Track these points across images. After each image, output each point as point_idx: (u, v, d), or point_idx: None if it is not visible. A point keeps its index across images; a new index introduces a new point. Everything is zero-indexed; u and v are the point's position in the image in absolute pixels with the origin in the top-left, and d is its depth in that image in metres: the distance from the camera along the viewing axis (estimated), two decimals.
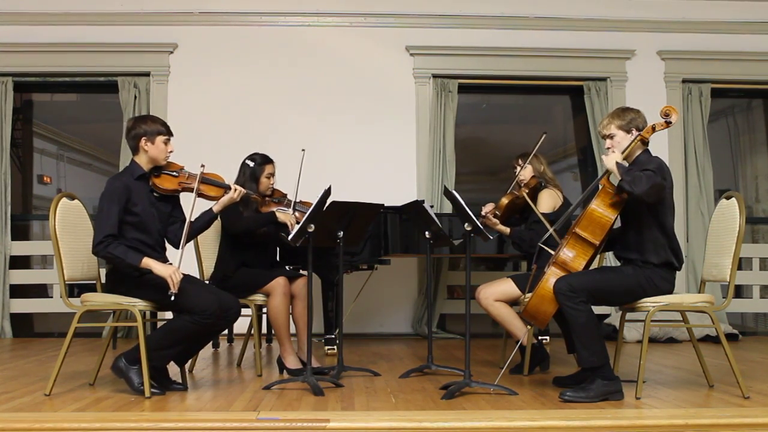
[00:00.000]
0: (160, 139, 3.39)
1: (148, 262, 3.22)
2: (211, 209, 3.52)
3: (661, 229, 3.24)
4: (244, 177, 4.11)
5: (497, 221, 4.16)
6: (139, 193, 3.37)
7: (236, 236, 4.03)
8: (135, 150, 3.42)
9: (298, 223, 4.14)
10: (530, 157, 4.19)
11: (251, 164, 4.12)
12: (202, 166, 3.45)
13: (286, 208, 4.15)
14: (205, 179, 3.49)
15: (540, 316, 3.23)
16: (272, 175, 4.18)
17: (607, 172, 3.31)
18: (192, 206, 3.37)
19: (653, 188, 3.05)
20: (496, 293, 3.93)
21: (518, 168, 4.27)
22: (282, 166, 4.29)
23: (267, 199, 4.17)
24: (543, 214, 3.98)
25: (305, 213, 4.21)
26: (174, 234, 3.51)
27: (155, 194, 3.45)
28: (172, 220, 3.52)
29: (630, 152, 3.30)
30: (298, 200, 4.23)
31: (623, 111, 3.36)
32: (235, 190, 3.51)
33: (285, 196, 4.27)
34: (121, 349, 3.40)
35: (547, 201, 4.12)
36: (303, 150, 4.24)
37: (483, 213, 4.18)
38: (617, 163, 3.18)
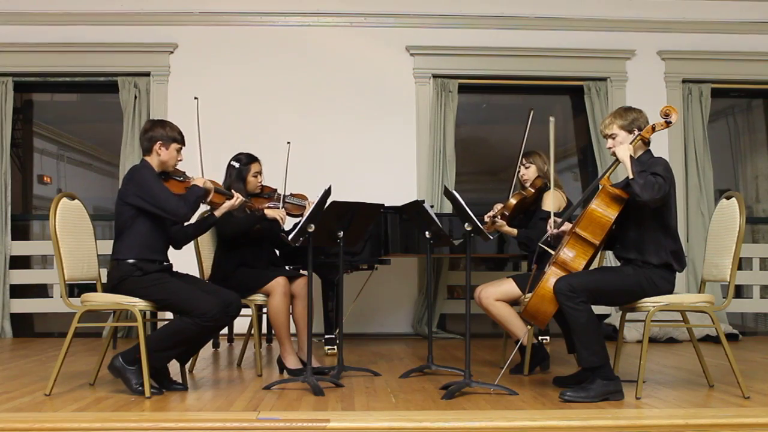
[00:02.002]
0: (174, 146, 3.48)
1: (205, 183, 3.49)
2: (212, 214, 3.65)
3: (663, 230, 3.23)
4: (230, 178, 4.13)
5: (504, 222, 4.12)
6: None
7: (230, 238, 4.06)
8: (148, 151, 3.48)
9: (289, 215, 4.19)
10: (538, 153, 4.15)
11: (237, 165, 4.16)
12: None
13: (277, 202, 4.20)
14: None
15: (540, 316, 3.23)
16: (259, 173, 4.20)
17: (608, 172, 3.31)
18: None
19: (662, 198, 3.06)
20: (497, 293, 3.92)
21: (522, 167, 4.25)
22: (282, 165, 4.29)
23: (255, 199, 4.19)
24: (546, 211, 3.97)
25: (298, 204, 4.24)
26: (177, 234, 3.61)
27: None
28: (173, 222, 3.57)
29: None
30: (288, 193, 4.24)
31: (625, 111, 3.36)
32: (237, 198, 3.69)
33: (275, 191, 4.28)
34: (121, 349, 3.40)
35: (551, 201, 4.10)
36: (288, 143, 4.27)
37: (491, 215, 4.10)
38: (631, 156, 3.16)
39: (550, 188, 4.16)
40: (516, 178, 4.27)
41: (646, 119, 3.34)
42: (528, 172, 4.22)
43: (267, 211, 4.06)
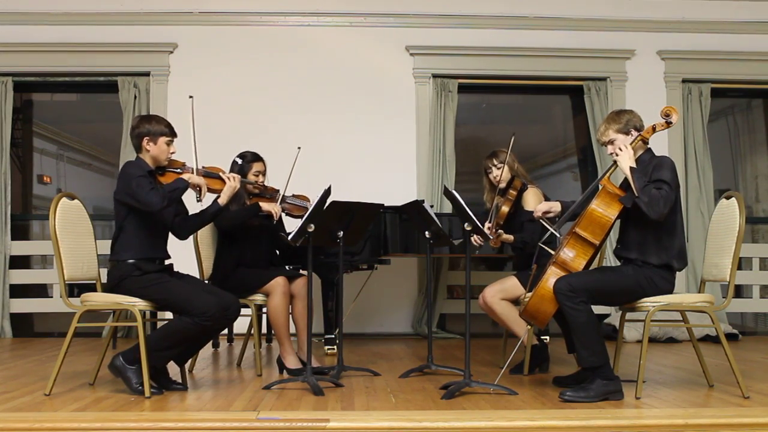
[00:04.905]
0: (162, 139, 3.44)
1: (191, 178, 3.44)
2: (216, 201, 3.59)
3: (668, 229, 3.22)
4: None
5: (502, 232, 4.07)
6: None
7: (229, 233, 4.06)
8: (138, 148, 3.48)
9: (289, 215, 4.18)
10: (507, 157, 4.11)
11: (239, 161, 4.16)
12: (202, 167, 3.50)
13: (275, 202, 4.19)
14: (208, 173, 3.62)
15: (540, 316, 3.23)
16: (261, 173, 4.18)
17: (608, 172, 3.30)
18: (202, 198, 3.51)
19: (669, 210, 3.07)
20: (500, 291, 3.93)
21: (494, 169, 4.22)
22: (281, 165, 4.29)
23: (256, 198, 4.19)
24: (530, 212, 3.99)
25: (298, 205, 4.23)
26: (179, 226, 3.56)
27: None
28: (176, 213, 3.55)
29: None
30: (290, 194, 4.24)
31: (618, 114, 3.35)
32: (234, 178, 3.65)
33: (277, 191, 4.27)
34: (121, 349, 3.40)
35: (534, 200, 4.09)
36: (299, 148, 4.25)
37: (490, 228, 4.01)
38: (632, 168, 3.15)
39: (527, 188, 4.16)
40: (498, 184, 4.25)
41: (639, 118, 3.34)
42: (504, 175, 4.16)
43: (263, 205, 4.03)
